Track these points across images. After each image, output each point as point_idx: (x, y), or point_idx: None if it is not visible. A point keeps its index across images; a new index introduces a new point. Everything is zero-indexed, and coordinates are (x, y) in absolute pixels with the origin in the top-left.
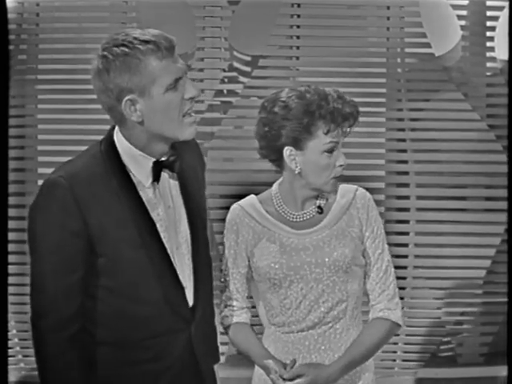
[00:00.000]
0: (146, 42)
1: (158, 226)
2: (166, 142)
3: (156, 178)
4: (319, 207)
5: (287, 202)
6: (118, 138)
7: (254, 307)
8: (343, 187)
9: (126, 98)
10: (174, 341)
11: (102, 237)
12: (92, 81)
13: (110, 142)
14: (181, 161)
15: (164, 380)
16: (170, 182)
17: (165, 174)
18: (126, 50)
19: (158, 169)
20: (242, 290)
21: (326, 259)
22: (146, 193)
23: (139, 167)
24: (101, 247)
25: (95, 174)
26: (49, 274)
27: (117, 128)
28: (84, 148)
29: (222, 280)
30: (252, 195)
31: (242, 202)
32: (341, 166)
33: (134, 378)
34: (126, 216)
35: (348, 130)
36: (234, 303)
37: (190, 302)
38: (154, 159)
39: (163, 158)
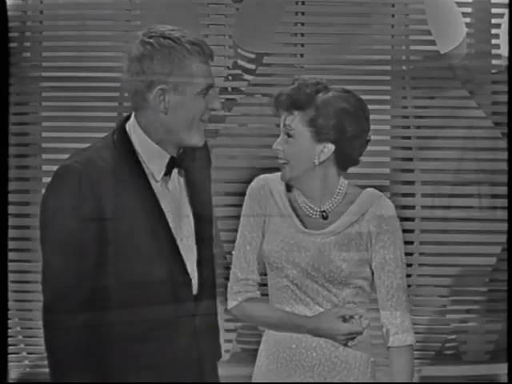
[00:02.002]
0: (193, 43)
1: (166, 216)
2: (177, 143)
3: (168, 172)
4: (323, 211)
5: (308, 193)
6: (135, 128)
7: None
8: (367, 192)
9: (159, 87)
10: (180, 333)
11: (113, 224)
12: (127, 63)
13: (121, 131)
14: (188, 157)
15: (168, 372)
16: (177, 177)
17: (174, 169)
18: (174, 44)
19: (171, 164)
20: (258, 262)
21: (322, 267)
22: (156, 185)
23: (154, 160)
24: (112, 235)
25: (108, 162)
26: (61, 260)
27: (132, 119)
28: (87, 145)
29: (233, 252)
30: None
31: (269, 176)
32: None
33: (138, 369)
34: (138, 205)
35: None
36: (249, 276)
37: (195, 294)
38: (169, 155)
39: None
